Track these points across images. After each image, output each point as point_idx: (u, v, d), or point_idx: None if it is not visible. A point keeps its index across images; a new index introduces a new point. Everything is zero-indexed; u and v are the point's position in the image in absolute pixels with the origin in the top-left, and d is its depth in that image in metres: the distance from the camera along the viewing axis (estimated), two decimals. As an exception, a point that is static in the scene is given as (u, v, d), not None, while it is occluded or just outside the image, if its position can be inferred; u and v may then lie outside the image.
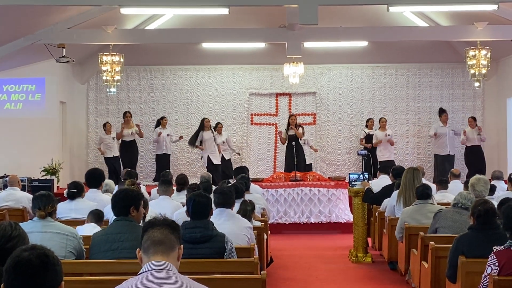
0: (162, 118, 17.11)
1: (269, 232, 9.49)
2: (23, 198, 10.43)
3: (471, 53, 14.78)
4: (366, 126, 17.34)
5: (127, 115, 16.74)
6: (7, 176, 11.96)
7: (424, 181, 9.52)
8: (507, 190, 9.47)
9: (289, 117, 16.60)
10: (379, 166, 15.92)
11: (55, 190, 14.44)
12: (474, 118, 16.56)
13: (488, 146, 17.24)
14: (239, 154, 17.42)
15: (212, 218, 5.91)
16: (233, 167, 16.93)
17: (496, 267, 5.13)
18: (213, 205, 6.13)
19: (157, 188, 9.41)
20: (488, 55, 14.73)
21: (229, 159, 17.05)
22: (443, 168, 16.20)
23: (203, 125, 16.31)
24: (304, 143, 16.26)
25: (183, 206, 7.64)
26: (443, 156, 16.59)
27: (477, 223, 6.01)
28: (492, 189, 9.13)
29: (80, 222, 7.68)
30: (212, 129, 16.44)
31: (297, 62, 16.28)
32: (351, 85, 18.09)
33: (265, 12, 15.68)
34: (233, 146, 17.13)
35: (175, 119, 17.96)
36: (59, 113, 16.73)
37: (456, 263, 5.97)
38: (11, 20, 12.23)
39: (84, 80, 18.03)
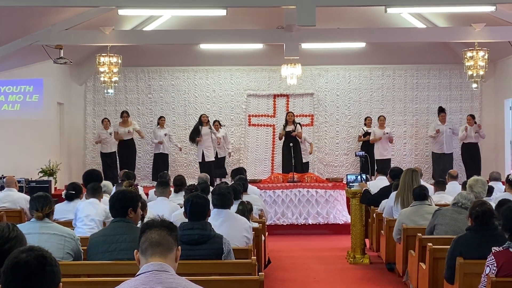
0: (160, 117, 17.12)
1: (266, 233, 9.50)
2: (20, 199, 10.43)
3: (469, 54, 14.79)
4: (365, 124, 17.36)
5: (124, 115, 16.75)
6: (4, 177, 11.95)
7: (422, 182, 9.51)
8: (505, 191, 9.45)
9: (286, 114, 16.62)
10: (376, 166, 15.95)
11: (53, 191, 14.44)
12: (472, 116, 16.60)
13: (486, 147, 17.27)
14: (230, 154, 17.37)
15: (210, 219, 5.90)
16: (227, 167, 17.04)
17: (495, 268, 5.14)
18: (211, 206, 6.13)
19: (155, 189, 9.42)
20: (486, 56, 14.75)
21: (223, 157, 17.08)
22: (438, 166, 16.28)
23: (201, 121, 16.35)
24: (301, 142, 16.29)
25: (181, 207, 7.64)
26: (439, 154, 16.63)
27: (475, 224, 6.01)
28: (490, 190, 9.13)
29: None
30: (210, 125, 16.47)
31: (294, 63, 16.29)
32: (348, 86, 18.10)
33: (263, 13, 15.69)
34: (229, 144, 17.13)
35: (172, 120, 17.95)
36: (56, 114, 16.72)
37: (454, 264, 5.97)
38: (8, 21, 12.22)
39: (81, 81, 18.02)
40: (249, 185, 10.80)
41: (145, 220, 5.79)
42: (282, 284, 9.00)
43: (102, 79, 15.39)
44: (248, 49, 17.36)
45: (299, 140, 16.13)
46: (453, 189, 10.72)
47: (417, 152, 18.09)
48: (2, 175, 13.42)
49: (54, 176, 15.20)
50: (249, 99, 18.10)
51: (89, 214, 7.68)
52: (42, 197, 5.80)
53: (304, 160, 16.41)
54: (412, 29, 16.00)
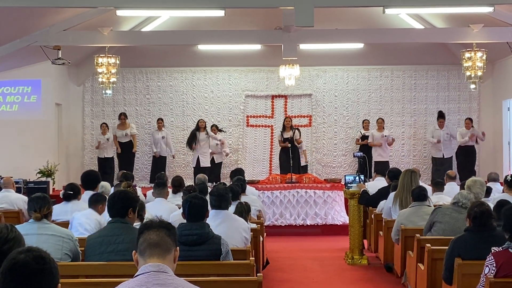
0: (158, 120, 17.10)
1: (265, 234, 9.50)
2: (17, 200, 10.41)
3: (467, 55, 14.80)
4: (363, 127, 17.36)
5: (121, 117, 16.75)
6: (1, 178, 11.93)
7: (420, 183, 9.52)
8: (503, 192, 9.46)
9: (284, 120, 16.65)
10: (374, 167, 15.95)
11: (51, 192, 14.42)
12: (471, 120, 16.63)
13: (484, 148, 17.29)
14: (227, 155, 17.31)
15: (208, 220, 5.89)
16: (224, 168, 17.05)
17: (494, 268, 5.14)
18: (209, 207, 6.12)
19: (152, 190, 9.41)
20: (484, 57, 14.76)
21: (220, 163, 17.09)
22: (437, 170, 16.29)
23: (198, 126, 16.36)
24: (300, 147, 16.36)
25: (179, 208, 7.63)
26: (437, 159, 16.69)
27: (473, 225, 6.02)
28: (488, 191, 9.14)
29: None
30: (207, 130, 16.45)
31: (293, 64, 16.29)
32: (347, 87, 18.10)
33: (261, 14, 15.69)
34: (225, 148, 17.07)
35: (170, 121, 17.94)
36: (54, 115, 16.71)
37: (453, 265, 5.97)
38: (6, 21, 12.20)
39: (79, 82, 18.01)
40: (247, 186, 10.81)
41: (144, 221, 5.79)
42: (280, 285, 9.00)
43: (100, 80, 15.38)
44: (246, 50, 17.36)
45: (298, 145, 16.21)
46: (451, 190, 10.74)
47: (415, 153, 18.09)
48: (0, 176, 13.41)
49: (52, 177, 15.18)
50: (247, 100, 18.09)
51: (82, 223, 7.48)
52: (40, 198, 5.79)
53: (302, 164, 16.41)
54: (410, 29, 16.01)
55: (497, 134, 17.44)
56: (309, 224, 13.61)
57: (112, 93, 16.27)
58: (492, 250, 5.24)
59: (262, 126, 18.16)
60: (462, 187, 9.52)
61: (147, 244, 3.46)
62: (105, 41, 14.18)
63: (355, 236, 10.51)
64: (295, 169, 15.19)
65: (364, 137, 17.10)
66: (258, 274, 5.17)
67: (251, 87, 18.08)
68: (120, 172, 12.68)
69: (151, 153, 17.27)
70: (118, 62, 15.30)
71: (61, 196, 9.00)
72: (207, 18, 14.74)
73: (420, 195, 8.37)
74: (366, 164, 14.73)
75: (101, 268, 5.34)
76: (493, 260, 5.17)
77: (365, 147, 16.78)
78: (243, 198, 9.02)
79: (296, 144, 16.06)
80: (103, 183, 9.94)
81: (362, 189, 10.43)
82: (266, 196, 13.69)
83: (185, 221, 5.78)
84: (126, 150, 16.76)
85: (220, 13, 10.96)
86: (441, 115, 16.84)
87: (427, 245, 6.84)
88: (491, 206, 6.50)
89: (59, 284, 2.94)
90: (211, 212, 6.46)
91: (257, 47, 17.11)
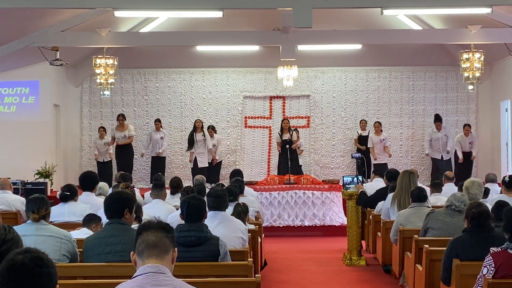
0: (156, 121, 17.06)
1: (263, 235, 9.48)
2: (15, 201, 10.39)
3: (465, 56, 14.82)
4: (360, 127, 17.37)
5: (120, 118, 16.72)
6: (-1, 179, 11.91)
7: (418, 184, 9.52)
8: (501, 193, 9.47)
9: (282, 121, 16.66)
10: (373, 169, 15.95)
11: (49, 193, 14.40)
12: (469, 126, 16.70)
13: (482, 149, 17.29)
14: (219, 160, 17.30)
15: (205, 221, 5.89)
16: (223, 169, 17.04)
17: (492, 268, 5.14)
18: (207, 208, 6.12)
19: (150, 191, 9.40)
20: (482, 58, 14.78)
21: (220, 162, 17.10)
22: (437, 171, 16.31)
23: (195, 126, 16.35)
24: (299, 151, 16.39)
25: (177, 209, 7.62)
26: (436, 159, 16.72)
27: (471, 225, 6.02)
28: (486, 192, 9.14)
29: (74, 225, 7.65)
30: (204, 131, 16.43)
31: (291, 65, 16.27)
32: (345, 88, 18.10)
33: (259, 15, 15.70)
34: (219, 151, 17.04)
35: (169, 122, 17.93)
36: (52, 116, 16.70)
37: (451, 266, 5.97)
38: (4, 22, 12.19)
39: (78, 83, 17.99)
40: (246, 187, 10.79)
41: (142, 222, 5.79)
42: (278, 286, 9.00)
43: (98, 81, 15.38)
44: (244, 51, 17.36)
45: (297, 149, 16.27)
46: (449, 190, 10.71)
47: (413, 154, 18.09)
48: (-2, 177, 13.40)
49: (50, 178, 15.15)
50: (245, 101, 18.09)
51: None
52: (38, 199, 5.78)
53: (300, 163, 16.42)
54: (408, 31, 16.01)
55: (495, 135, 17.45)
56: (307, 225, 13.60)
57: (110, 94, 16.29)
58: (491, 251, 5.25)
59: (260, 127, 18.16)
60: (460, 188, 9.52)
61: (145, 245, 3.46)
62: (103, 42, 14.18)
63: (353, 237, 10.51)
64: (293, 170, 15.18)
65: (361, 137, 17.11)
66: (256, 275, 5.18)
67: (249, 88, 18.08)
68: (118, 173, 12.66)
69: (150, 154, 17.21)
70: (116, 63, 15.31)
71: (58, 197, 8.99)
72: (205, 19, 14.74)
73: (419, 196, 8.37)
74: (364, 165, 14.72)
75: (99, 269, 5.34)
76: (492, 260, 5.18)
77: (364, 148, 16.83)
78: (241, 199, 9.01)
79: (293, 148, 16.07)
80: (101, 184, 9.93)
81: (360, 190, 10.44)
82: (264, 197, 13.68)
83: (183, 222, 5.78)
84: (125, 152, 16.73)
85: (218, 14, 10.97)
86: (437, 119, 16.83)
87: (425, 246, 6.84)
88: (489, 207, 6.50)
89: (57, 285, 2.93)
90: (209, 213, 6.45)
91: (255, 48, 17.12)
